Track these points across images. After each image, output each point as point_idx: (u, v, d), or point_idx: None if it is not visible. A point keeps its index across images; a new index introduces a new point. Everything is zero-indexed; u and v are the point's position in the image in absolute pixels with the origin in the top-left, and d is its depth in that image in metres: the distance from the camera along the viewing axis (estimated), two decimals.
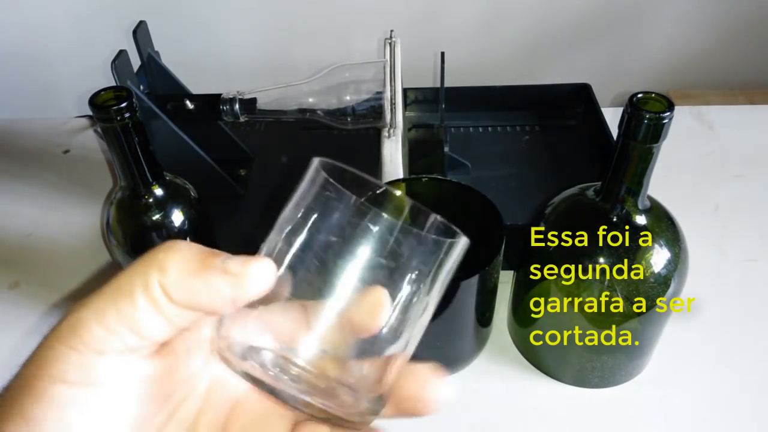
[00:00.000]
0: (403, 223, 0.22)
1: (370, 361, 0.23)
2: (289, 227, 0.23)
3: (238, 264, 0.21)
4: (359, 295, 0.22)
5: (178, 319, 0.22)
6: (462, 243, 0.23)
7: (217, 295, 0.21)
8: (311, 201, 0.23)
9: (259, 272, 0.22)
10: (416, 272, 0.22)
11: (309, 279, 0.23)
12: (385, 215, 0.22)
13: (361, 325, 0.22)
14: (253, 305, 0.22)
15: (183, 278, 0.21)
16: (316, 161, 0.23)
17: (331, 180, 0.22)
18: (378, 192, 0.23)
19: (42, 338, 0.21)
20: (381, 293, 0.22)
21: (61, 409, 0.20)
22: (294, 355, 0.22)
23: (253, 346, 0.23)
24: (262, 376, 0.22)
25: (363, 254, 0.22)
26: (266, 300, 0.22)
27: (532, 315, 0.52)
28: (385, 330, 0.22)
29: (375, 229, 0.22)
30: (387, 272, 0.22)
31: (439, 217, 0.23)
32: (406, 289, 0.22)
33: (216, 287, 0.21)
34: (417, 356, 0.24)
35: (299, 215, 0.23)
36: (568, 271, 0.47)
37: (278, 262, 0.22)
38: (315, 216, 0.23)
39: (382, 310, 0.22)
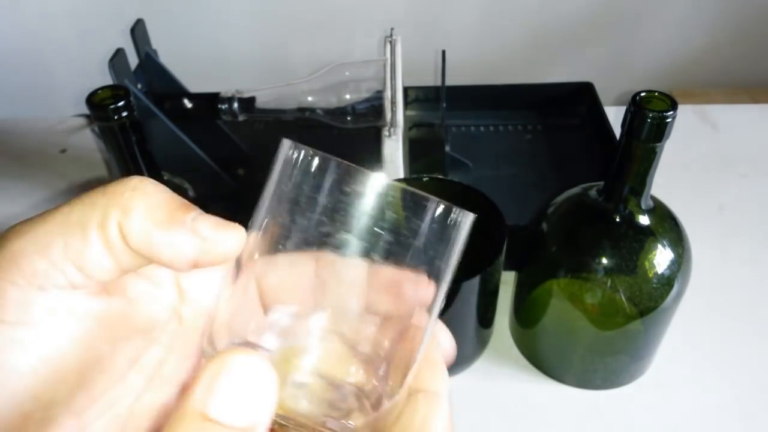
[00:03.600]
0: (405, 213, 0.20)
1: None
2: (272, 211, 0.21)
3: (209, 227, 0.20)
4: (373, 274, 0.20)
5: (129, 264, 0.20)
6: (469, 220, 0.21)
7: (178, 254, 0.20)
8: (293, 179, 0.21)
9: (230, 240, 0.20)
10: (427, 250, 0.21)
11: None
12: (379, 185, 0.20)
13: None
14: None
15: (145, 226, 0.19)
16: (286, 142, 0.22)
17: (311, 151, 0.21)
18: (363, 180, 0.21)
19: None
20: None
21: (0, 349, 0.18)
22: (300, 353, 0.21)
23: (251, 342, 0.21)
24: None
25: (365, 228, 0.20)
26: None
27: (534, 316, 0.51)
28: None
29: (373, 201, 0.20)
30: (394, 248, 0.20)
31: (441, 203, 0.21)
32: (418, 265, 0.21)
33: (179, 245, 0.19)
34: None
35: (284, 195, 0.21)
36: (570, 271, 0.47)
37: (267, 244, 0.21)
38: (302, 194, 0.21)
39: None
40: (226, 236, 0.20)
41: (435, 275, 0.21)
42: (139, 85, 0.61)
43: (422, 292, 0.21)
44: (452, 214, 0.21)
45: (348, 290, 0.22)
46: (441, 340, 0.24)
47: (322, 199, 0.20)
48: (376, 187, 0.20)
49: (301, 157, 0.21)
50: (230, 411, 0.17)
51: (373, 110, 0.58)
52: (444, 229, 0.21)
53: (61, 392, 0.19)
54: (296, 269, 0.21)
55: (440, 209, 0.21)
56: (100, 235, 0.19)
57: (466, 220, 0.21)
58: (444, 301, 0.22)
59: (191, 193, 0.51)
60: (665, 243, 0.44)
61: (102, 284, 0.20)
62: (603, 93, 0.75)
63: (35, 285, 0.18)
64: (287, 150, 0.22)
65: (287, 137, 0.22)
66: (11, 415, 0.18)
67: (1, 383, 0.18)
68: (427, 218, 0.20)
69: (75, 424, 0.20)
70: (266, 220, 0.22)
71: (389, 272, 0.21)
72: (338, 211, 0.20)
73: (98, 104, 0.42)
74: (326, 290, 0.22)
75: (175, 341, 0.23)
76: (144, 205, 0.19)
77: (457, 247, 0.22)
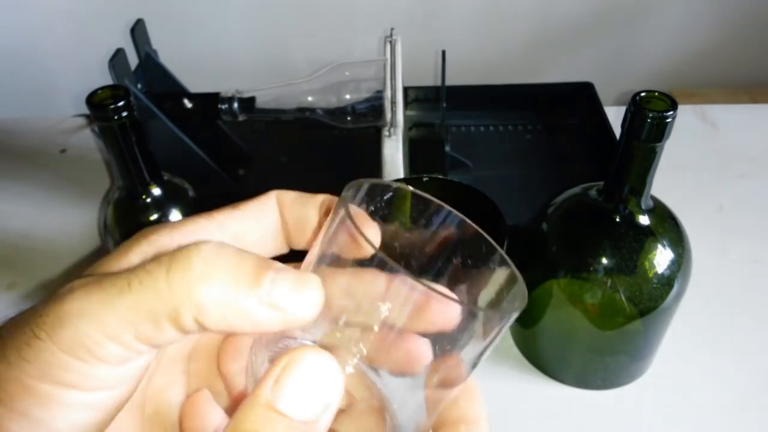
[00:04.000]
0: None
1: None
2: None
3: (287, 297, 0.19)
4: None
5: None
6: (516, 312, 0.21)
7: (257, 327, 0.19)
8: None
9: (309, 306, 0.19)
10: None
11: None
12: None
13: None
14: None
15: (223, 311, 0.18)
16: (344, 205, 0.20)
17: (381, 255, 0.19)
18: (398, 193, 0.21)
19: (23, 326, 0.19)
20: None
21: (75, 412, 0.19)
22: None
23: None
24: None
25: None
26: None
27: (534, 316, 0.51)
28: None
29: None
30: None
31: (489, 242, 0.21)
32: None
33: (260, 323, 0.19)
34: None
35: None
36: (570, 271, 0.47)
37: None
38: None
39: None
40: (305, 302, 0.19)
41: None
42: (139, 85, 0.61)
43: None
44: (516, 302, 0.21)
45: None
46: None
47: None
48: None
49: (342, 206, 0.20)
50: (296, 405, 0.18)
51: (373, 110, 0.58)
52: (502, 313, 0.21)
53: (108, 420, 0.20)
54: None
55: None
56: (175, 326, 0.19)
57: (519, 308, 0.21)
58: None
59: (191, 193, 0.51)
60: (665, 243, 0.44)
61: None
62: (603, 93, 0.75)
63: (103, 361, 0.19)
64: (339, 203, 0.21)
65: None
66: None
67: None
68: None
69: None
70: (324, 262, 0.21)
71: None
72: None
73: (98, 104, 0.42)
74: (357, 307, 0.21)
75: (162, 355, 0.23)
76: (218, 290, 0.18)
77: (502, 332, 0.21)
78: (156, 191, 0.48)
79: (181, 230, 0.22)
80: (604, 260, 0.45)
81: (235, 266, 0.19)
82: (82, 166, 0.79)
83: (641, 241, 0.44)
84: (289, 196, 0.24)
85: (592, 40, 0.99)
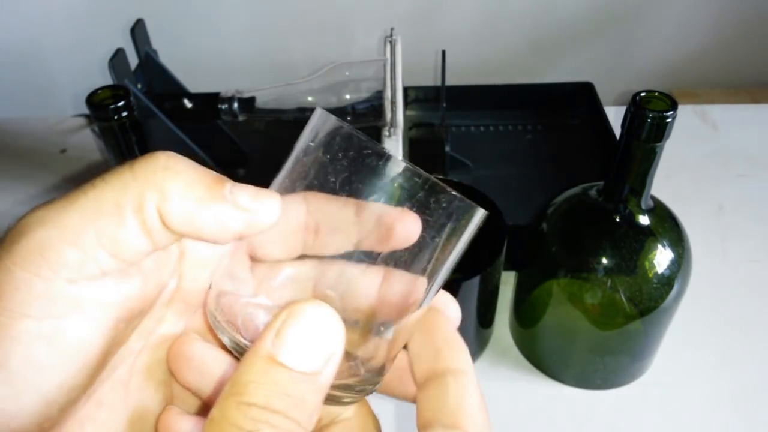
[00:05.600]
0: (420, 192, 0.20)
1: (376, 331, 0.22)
2: (294, 174, 0.22)
3: (248, 197, 0.19)
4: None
5: (165, 243, 0.19)
6: (479, 215, 0.21)
7: (224, 229, 0.19)
8: (320, 147, 0.21)
9: (270, 208, 0.20)
10: (435, 233, 0.21)
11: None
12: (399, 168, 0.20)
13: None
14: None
15: (186, 206, 0.18)
16: (319, 110, 0.22)
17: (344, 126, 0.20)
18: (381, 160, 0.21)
19: None
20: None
21: (26, 345, 0.17)
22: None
23: (248, 302, 0.21)
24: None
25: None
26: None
27: (534, 316, 0.51)
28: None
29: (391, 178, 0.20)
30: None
31: (457, 195, 0.21)
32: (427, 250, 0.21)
33: (224, 221, 0.19)
34: None
35: (306, 162, 0.21)
36: (570, 271, 0.47)
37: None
38: (324, 163, 0.21)
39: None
40: (266, 205, 0.20)
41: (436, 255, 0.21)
42: (139, 85, 0.61)
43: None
44: (465, 211, 0.21)
45: (341, 237, 0.22)
46: (448, 310, 0.23)
47: (341, 170, 0.20)
48: (393, 168, 0.20)
49: (328, 127, 0.21)
50: (298, 356, 0.17)
51: (373, 110, 0.58)
52: (454, 221, 0.21)
53: (84, 377, 0.19)
54: (286, 214, 0.21)
55: (455, 203, 0.20)
56: (138, 218, 0.18)
57: (477, 217, 0.21)
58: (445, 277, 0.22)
59: None
60: (665, 243, 0.44)
61: (131, 266, 0.19)
62: (603, 93, 0.75)
63: (64, 278, 0.18)
64: (317, 118, 0.22)
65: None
66: (37, 407, 0.18)
67: (28, 378, 0.18)
68: (441, 212, 0.20)
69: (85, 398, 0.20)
70: (285, 183, 0.22)
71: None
72: (352, 183, 0.20)
73: (98, 104, 0.42)
74: (318, 236, 0.22)
75: (174, 298, 0.23)
76: (180, 184, 0.19)
77: (464, 241, 0.22)
78: None
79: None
80: (604, 260, 0.45)
81: (199, 171, 0.20)
82: (82, 166, 0.79)
83: (641, 241, 0.44)
84: (318, 199, 0.23)
85: (592, 40, 0.99)
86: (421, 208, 0.20)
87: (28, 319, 0.17)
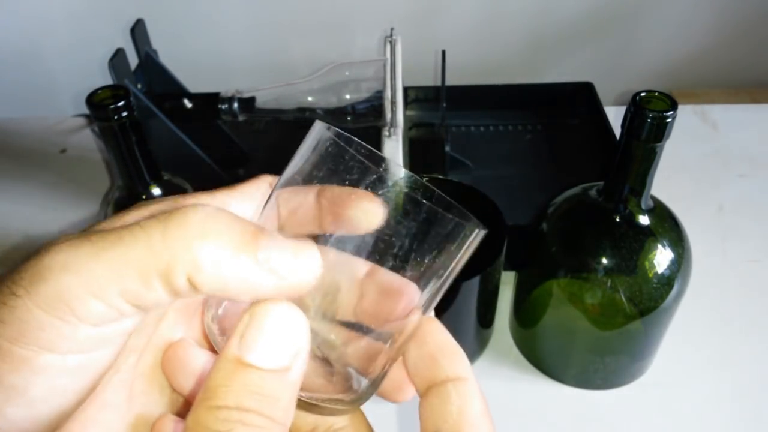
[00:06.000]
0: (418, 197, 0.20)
1: (371, 342, 0.22)
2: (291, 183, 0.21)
3: (284, 262, 0.19)
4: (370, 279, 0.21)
5: (189, 297, 0.19)
6: (480, 235, 0.21)
7: (254, 293, 0.19)
8: (316, 165, 0.21)
9: (307, 272, 0.19)
10: (431, 255, 0.21)
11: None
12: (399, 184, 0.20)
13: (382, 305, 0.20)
14: None
15: (217, 273, 0.18)
16: (318, 124, 0.22)
17: (341, 143, 0.20)
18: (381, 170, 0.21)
19: (4, 289, 0.18)
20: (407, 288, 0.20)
21: (50, 377, 0.18)
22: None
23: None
24: None
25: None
26: None
27: (534, 316, 0.51)
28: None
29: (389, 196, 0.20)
30: (399, 248, 0.20)
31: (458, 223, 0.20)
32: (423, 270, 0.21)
33: (255, 286, 0.18)
34: None
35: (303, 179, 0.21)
36: (570, 271, 0.47)
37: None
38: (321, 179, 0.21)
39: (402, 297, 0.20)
40: (302, 269, 0.19)
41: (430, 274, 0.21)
42: (139, 85, 0.61)
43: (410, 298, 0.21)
44: (466, 231, 0.21)
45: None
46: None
47: (343, 179, 0.20)
48: (396, 178, 0.20)
49: (330, 139, 0.21)
50: (264, 354, 0.18)
51: (373, 110, 0.58)
52: (453, 240, 0.21)
53: (95, 386, 0.20)
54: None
55: (453, 224, 0.20)
56: (165, 284, 0.18)
57: (477, 238, 0.21)
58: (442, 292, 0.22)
59: (191, 193, 0.51)
60: (665, 243, 0.44)
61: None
62: (603, 93, 0.75)
63: (88, 323, 0.18)
64: (318, 131, 0.22)
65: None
66: (54, 422, 0.19)
67: (49, 403, 0.18)
68: (440, 231, 0.20)
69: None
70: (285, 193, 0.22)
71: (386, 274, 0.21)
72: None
73: (98, 104, 0.42)
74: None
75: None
76: (213, 249, 0.18)
77: (462, 260, 0.22)
78: (156, 191, 0.48)
79: (181, 202, 0.22)
80: (604, 260, 0.45)
81: (234, 228, 0.19)
82: (81, 166, 0.79)
83: (641, 241, 0.44)
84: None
85: (592, 40, 0.99)
86: (420, 228, 0.20)
87: (53, 354, 0.18)
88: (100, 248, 0.18)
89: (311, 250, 0.19)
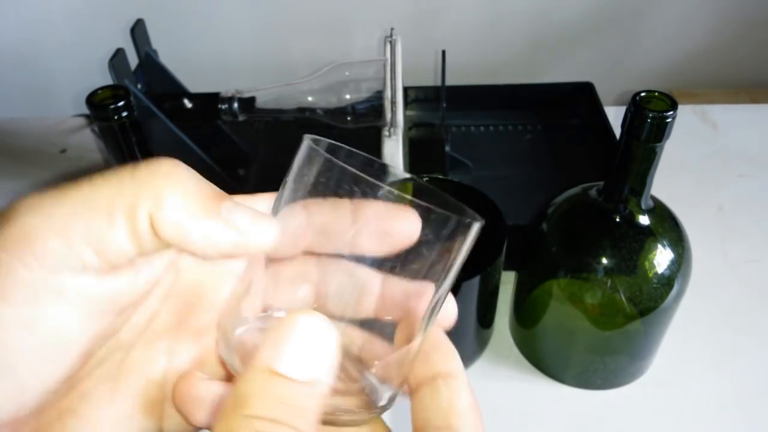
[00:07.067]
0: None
1: (388, 353, 0.22)
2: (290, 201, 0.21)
3: (246, 219, 0.19)
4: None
5: (151, 250, 0.19)
6: (476, 227, 0.21)
7: (212, 246, 0.19)
8: (311, 182, 0.21)
9: (265, 233, 0.20)
10: (432, 257, 0.21)
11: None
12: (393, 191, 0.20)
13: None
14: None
15: (179, 216, 0.18)
16: (307, 139, 0.22)
17: (333, 159, 0.21)
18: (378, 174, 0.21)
19: None
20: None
21: (3, 330, 0.17)
22: None
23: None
24: None
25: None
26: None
27: (534, 316, 0.51)
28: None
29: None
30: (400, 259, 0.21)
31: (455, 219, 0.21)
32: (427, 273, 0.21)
33: (214, 238, 0.19)
34: None
35: (298, 195, 0.21)
36: (570, 271, 0.47)
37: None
38: (319, 185, 0.21)
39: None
40: (261, 230, 0.20)
41: (437, 273, 0.21)
42: (139, 85, 0.61)
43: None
44: (462, 226, 0.21)
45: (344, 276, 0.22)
46: (446, 308, 0.23)
47: (335, 189, 0.20)
48: (390, 185, 0.20)
49: (320, 152, 0.21)
50: (295, 366, 0.18)
51: (373, 110, 0.58)
52: (451, 237, 0.21)
53: (64, 367, 0.19)
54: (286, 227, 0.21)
55: (452, 224, 0.21)
56: (128, 222, 0.18)
57: (474, 230, 0.21)
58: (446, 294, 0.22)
59: None
60: (665, 243, 0.44)
61: (115, 266, 0.19)
62: (603, 93, 0.75)
63: (47, 266, 0.18)
64: (308, 147, 0.22)
65: (298, 136, 0.22)
66: (12, 392, 0.18)
67: (2, 362, 0.18)
68: (441, 232, 0.21)
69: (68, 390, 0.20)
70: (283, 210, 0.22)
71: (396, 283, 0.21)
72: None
73: (98, 104, 0.42)
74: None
75: (171, 293, 0.23)
76: (178, 194, 0.19)
77: (463, 255, 0.22)
78: None
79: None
80: (604, 260, 0.45)
81: (201, 183, 0.19)
82: (82, 166, 0.79)
83: (641, 241, 0.44)
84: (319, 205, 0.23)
85: (592, 40, 0.99)
86: (424, 232, 0.20)
87: (6, 304, 0.17)
88: (69, 192, 0.18)
89: (271, 219, 0.20)
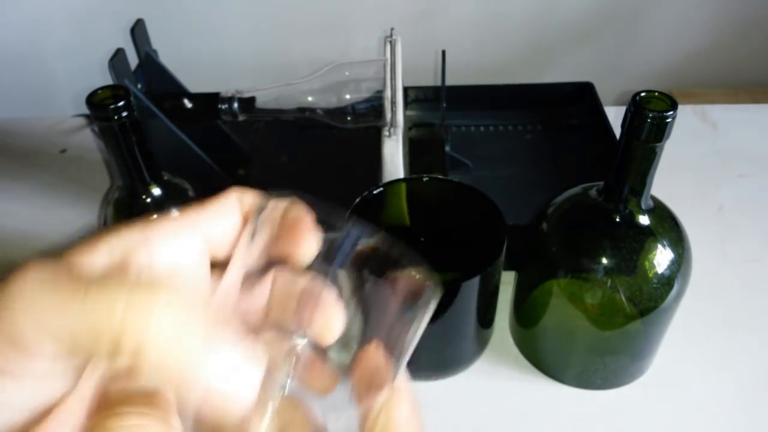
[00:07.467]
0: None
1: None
2: None
3: (236, 364, 0.18)
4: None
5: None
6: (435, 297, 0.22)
7: (190, 383, 0.18)
8: None
9: (251, 384, 0.19)
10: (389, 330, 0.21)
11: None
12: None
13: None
14: None
15: (164, 365, 0.17)
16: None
17: None
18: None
19: None
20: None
21: None
22: None
23: None
24: None
25: None
26: None
27: (534, 316, 0.51)
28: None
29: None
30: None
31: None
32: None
33: (199, 378, 0.18)
34: (416, 359, 0.23)
35: None
36: (570, 271, 0.47)
37: None
38: None
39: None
40: (248, 380, 0.18)
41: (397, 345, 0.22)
42: (139, 85, 0.61)
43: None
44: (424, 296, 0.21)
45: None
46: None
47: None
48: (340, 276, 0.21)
49: None
50: None
51: (373, 110, 0.58)
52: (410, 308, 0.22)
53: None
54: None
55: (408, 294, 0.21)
56: (109, 352, 0.17)
57: (434, 301, 0.22)
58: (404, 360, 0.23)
59: (191, 193, 0.51)
60: (665, 243, 0.44)
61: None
62: (603, 93, 0.75)
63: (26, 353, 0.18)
64: None
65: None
66: None
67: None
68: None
69: None
70: None
71: None
72: None
73: (98, 104, 0.42)
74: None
75: None
76: (168, 337, 0.17)
77: (423, 323, 0.22)
78: (156, 191, 0.48)
79: (153, 230, 0.21)
80: (604, 260, 0.45)
81: (191, 320, 0.18)
82: (81, 166, 0.79)
83: (641, 241, 0.44)
84: (249, 198, 0.24)
85: (592, 40, 0.99)
86: (372, 298, 0.21)
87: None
88: (63, 300, 0.18)
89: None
